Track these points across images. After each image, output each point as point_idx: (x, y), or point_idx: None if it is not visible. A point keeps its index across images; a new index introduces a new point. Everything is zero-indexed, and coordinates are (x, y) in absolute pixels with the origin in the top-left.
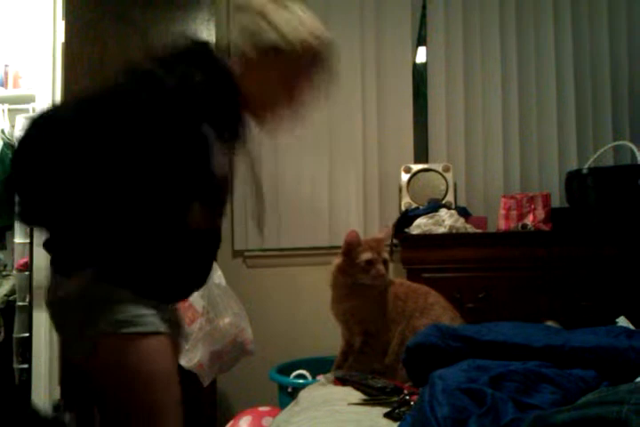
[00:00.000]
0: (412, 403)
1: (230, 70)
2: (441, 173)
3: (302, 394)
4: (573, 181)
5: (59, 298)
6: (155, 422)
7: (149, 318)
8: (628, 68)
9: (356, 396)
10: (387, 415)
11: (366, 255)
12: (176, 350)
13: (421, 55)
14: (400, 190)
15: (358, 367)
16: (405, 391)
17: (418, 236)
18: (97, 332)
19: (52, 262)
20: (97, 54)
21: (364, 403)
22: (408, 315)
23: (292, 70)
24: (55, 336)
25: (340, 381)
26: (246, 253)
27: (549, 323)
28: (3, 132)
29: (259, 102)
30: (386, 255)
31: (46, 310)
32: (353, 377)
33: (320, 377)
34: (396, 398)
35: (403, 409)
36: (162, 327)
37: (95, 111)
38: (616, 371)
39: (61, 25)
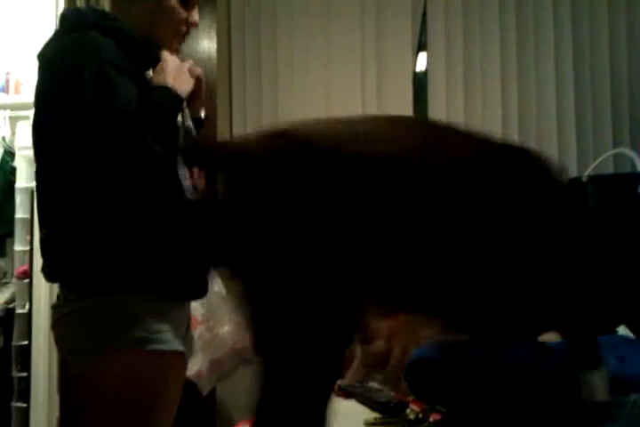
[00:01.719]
0: (430, 420)
1: None
2: None
3: None
4: (573, 188)
5: (66, 312)
6: None
7: (167, 334)
8: (627, 76)
9: (363, 410)
10: None
11: None
12: (185, 367)
13: (422, 62)
14: None
15: (359, 376)
16: (414, 407)
17: None
18: (110, 346)
19: (63, 283)
20: None
21: (378, 422)
22: (411, 325)
23: None
24: (54, 345)
25: (343, 392)
26: None
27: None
28: (3, 139)
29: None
30: None
31: (52, 326)
32: (356, 389)
33: None
34: (412, 417)
35: None
36: (179, 346)
37: None
38: None
39: None
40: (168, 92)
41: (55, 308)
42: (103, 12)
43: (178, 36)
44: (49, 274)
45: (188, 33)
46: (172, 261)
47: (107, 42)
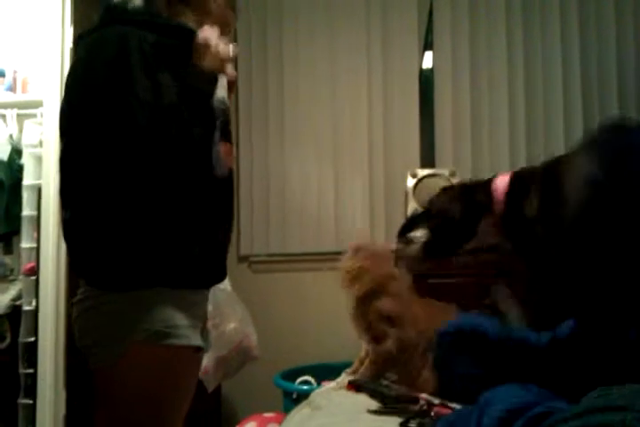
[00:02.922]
0: (432, 414)
1: None
2: (447, 178)
3: (316, 398)
4: None
5: (89, 306)
6: None
7: (186, 329)
8: (634, 74)
9: (371, 404)
10: (402, 425)
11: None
12: (199, 362)
13: (428, 60)
14: (406, 195)
15: (370, 374)
16: (422, 402)
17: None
18: (132, 340)
19: (86, 278)
20: None
21: (382, 411)
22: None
23: None
24: (61, 341)
25: (354, 386)
26: (252, 259)
27: None
28: (11, 137)
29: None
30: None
31: (74, 320)
32: (366, 384)
33: (328, 383)
34: (415, 408)
35: (424, 420)
36: (197, 341)
37: None
38: None
39: (70, 31)
40: (203, 75)
41: (78, 302)
42: (150, 11)
43: None
44: (71, 263)
45: None
46: (196, 252)
47: (151, 38)
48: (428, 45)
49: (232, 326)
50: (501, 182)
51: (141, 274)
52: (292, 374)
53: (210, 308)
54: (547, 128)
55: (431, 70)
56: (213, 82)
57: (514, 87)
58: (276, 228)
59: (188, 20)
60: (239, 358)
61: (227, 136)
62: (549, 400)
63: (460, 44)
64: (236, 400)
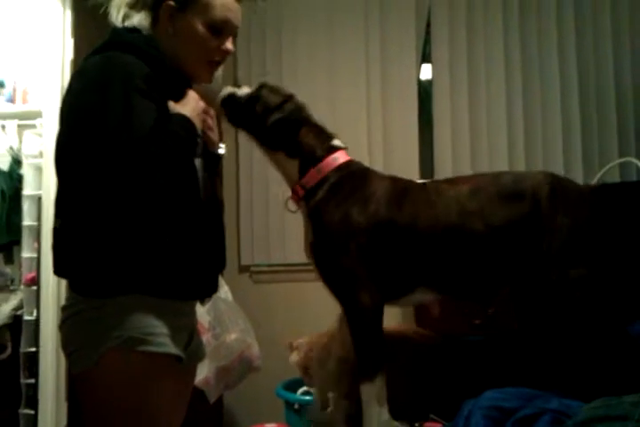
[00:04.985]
0: None
1: None
2: None
3: None
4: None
5: (72, 313)
6: None
7: (162, 337)
8: (632, 84)
9: None
10: None
11: None
12: (189, 373)
13: (426, 72)
14: None
15: None
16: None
17: None
18: (106, 346)
19: (70, 284)
20: None
21: None
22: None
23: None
24: (62, 351)
25: None
26: (252, 269)
27: None
28: (11, 148)
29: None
30: None
31: (59, 327)
32: None
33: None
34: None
35: None
36: (173, 350)
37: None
38: None
39: (70, 42)
40: (185, 121)
41: (63, 309)
42: (148, 38)
43: (208, 64)
44: (55, 268)
45: (221, 62)
46: (178, 262)
47: (140, 67)
48: (425, 57)
49: (233, 336)
50: (331, 164)
51: (119, 280)
52: (293, 385)
53: (211, 318)
54: (544, 138)
55: (429, 82)
56: (192, 131)
57: (512, 98)
58: (276, 238)
59: (197, 23)
60: (241, 368)
61: (213, 170)
62: (540, 400)
63: (457, 55)
64: (238, 411)
